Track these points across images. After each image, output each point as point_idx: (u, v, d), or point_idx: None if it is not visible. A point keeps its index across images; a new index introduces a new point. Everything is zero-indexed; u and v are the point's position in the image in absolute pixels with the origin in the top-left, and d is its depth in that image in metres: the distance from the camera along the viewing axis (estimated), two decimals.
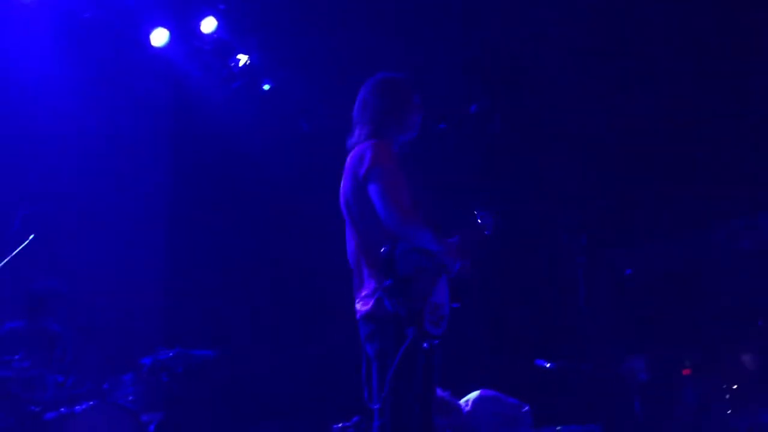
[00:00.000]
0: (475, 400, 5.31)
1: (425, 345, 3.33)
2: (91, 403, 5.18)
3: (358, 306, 3.49)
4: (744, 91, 6.84)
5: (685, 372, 6.70)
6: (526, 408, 5.33)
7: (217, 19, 6.97)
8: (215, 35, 7.02)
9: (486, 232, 3.69)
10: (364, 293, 3.46)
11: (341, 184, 3.60)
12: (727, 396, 6.35)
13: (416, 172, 3.69)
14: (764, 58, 6.68)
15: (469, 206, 3.75)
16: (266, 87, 7.38)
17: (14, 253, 5.38)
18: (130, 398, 5.48)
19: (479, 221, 3.71)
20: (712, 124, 6.99)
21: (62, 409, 5.14)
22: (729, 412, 6.24)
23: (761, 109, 6.76)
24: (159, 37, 6.82)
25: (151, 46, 6.85)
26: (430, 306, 3.34)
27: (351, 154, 3.60)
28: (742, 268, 7.08)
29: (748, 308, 6.88)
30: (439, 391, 5.04)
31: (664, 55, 7.01)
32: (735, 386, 6.36)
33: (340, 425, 5.80)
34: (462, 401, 5.36)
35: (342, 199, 3.60)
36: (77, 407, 5.15)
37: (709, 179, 7.03)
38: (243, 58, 7.21)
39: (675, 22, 6.86)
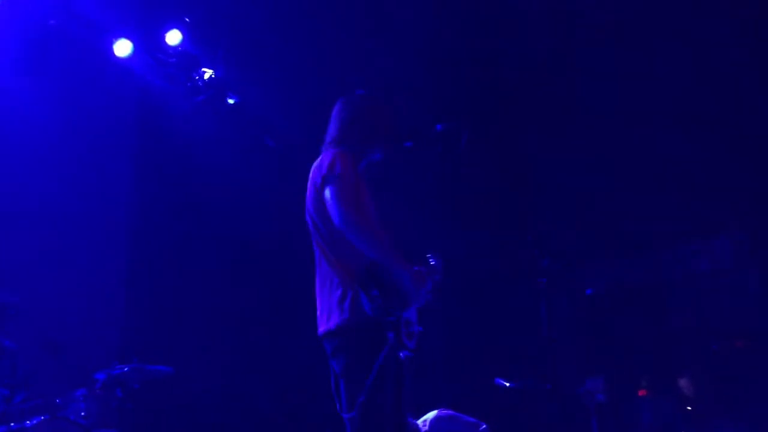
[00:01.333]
0: (432, 420, 5.31)
1: (401, 355, 3.30)
2: (42, 418, 5.06)
3: (321, 324, 3.45)
4: (711, 113, 6.97)
5: (641, 393, 6.79)
6: (484, 427, 5.34)
7: (182, 32, 6.94)
8: (180, 48, 6.98)
9: (435, 277, 3.66)
10: (329, 307, 3.42)
11: (306, 196, 3.60)
12: (682, 417, 6.45)
13: (386, 195, 3.70)
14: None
15: (422, 248, 3.75)
16: (231, 101, 7.34)
17: None
18: (83, 414, 5.36)
19: (431, 264, 3.69)
20: (674, 143, 7.13)
21: (12, 425, 5.02)
22: None
23: (725, 131, 6.89)
24: (122, 47, 6.75)
25: (115, 57, 6.77)
26: (404, 320, 3.34)
27: (314, 164, 3.60)
28: (699, 290, 7.21)
29: (704, 329, 7.02)
30: None
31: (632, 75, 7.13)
32: (689, 408, 6.47)
33: None
34: (420, 421, 5.35)
35: (306, 211, 3.59)
36: (27, 422, 5.03)
37: (669, 200, 7.16)
38: (208, 72, 7.17)
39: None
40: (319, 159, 3.58)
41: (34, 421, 5.04)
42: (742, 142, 6.87)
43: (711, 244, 7.26)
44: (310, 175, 3.58)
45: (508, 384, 5.76)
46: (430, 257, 3.71)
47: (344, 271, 3.38)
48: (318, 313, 3.50)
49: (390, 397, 3.31)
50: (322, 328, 3.45)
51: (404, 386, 3.42)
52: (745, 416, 6.24)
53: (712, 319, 7.04)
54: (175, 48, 6.97)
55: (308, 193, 3.57)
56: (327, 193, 3.40)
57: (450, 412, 5.40)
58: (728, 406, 6.42)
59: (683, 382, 6.74)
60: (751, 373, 6.52)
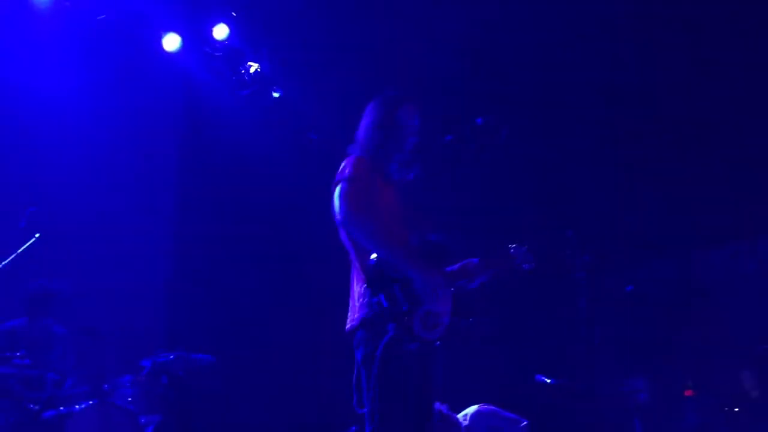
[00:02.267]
0: (473, 415, 5.31)
1: (412, 346, 3.33)
2: (90, 402, 5.19)
3: (348, 322, 3.52)
4: (749, 114, 6.83)
5: (687, 393, 6.67)
6: (525, 423, 5.32)
7: (229, 26, 7.02)
8: (227, 42, 7.06)
9: (525, 266, 3.72)
10: (352, 305, 3.51)
11: None
12: (728, 418, 6.31)
13: (418, 199, 3.73)
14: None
15: (503, 239, 3.76)
16: (276, 95, 7.41)
17: (19, 251, 5.40)
18: (129, 399, 5.49)
19: (512, 253, 3.73)
20: (716, 145, 6.99)
21: (61, 408, 5.16)
22: None
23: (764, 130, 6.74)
24: (171, 42, 6.86)
25: (163, 51, 6.89)
26: (422, 311, 3.36)
27: None
28: (745, 290, 7.05)
29: (750, 331, 6.85)
30: (438, 405, 5.04)
31: (672, 79, 7.00)
32: (736, 409, 6.33)
33: None
34: (460, 415, 5.35)
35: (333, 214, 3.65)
36: (76, 407, 5.16)
37: (715, 200, 7.02)
38: (254, 66, 7.25)
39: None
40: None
41: (83, 406, 5.17)
42: None
43: (756, 245, 7.10)
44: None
45: (548, 381, 5.72)
46: (512, 247, 3.73)
47: (360, 270, 3.47)
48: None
49: (405, 393, 3.32)
50: (347, 326, 3.54)
51: (429, 386, 3.43)
52: None
53: (758, 319, 6.87)
54: (221, 42, 7.05)
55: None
56: (335, 193, 3.49)
57: (491, 407, 5.40)
58: None
59: (741, 378, 6.59)
60: None
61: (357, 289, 3.49)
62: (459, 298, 3.59)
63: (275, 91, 7.40)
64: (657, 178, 7.14)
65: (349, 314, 3.53)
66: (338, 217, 3.43)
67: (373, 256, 3.41)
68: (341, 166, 3.56)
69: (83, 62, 6.77)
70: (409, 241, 3.57)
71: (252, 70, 7.24)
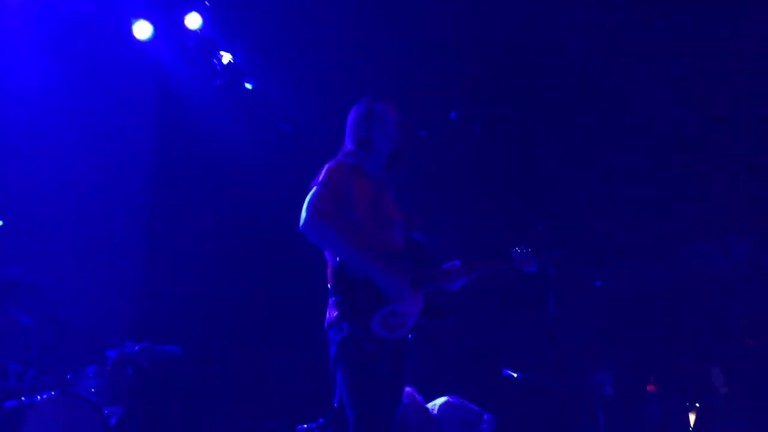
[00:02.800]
0: (442, 406, 5.36)
1: (370, 346, 3.35)
2: (52, 393, 5.12)
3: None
4: (722, 117, 6.96)
5: (650, 388, 6.76)
6: (490, 417, 5.37)
7: (202, 16, 6.96)
8: (200, 31, 7.00)
9: (526, 269, 3.80)
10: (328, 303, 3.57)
11: None
12: (690, 413, 6.42)
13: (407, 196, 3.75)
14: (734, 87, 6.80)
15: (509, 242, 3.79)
16: (249, 86, 7.36)
17: None
18: (93, 390, 5.42)
19: (513, 256, 3.79)
20: (688, 146, 7.09)
21: (23, 399, 5.08)
22: (691, 430, 6.31)
23: (736, 133, 6.87)
24: (142, 30, 6.79)
25: (134, 39, 6.81)
26: (385, 310, 3.37)
27: None
28: (715, 290, 7.17)
29: (714, 329, 6.97)
30: (409, 389, 5.08)
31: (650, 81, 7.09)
32: (698, 404, 6.43)
33: (305, 426, 5.79)
34: (429, 405, 5.39)
35: None
36: (38, 397, 5.09)
37: (687, 200, 7.12)
38: (227, 56, 7.19)
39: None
40: None
41: (45, 396, 5.10)
42: (763, 144, 6.83)
43: (724, 246, 7.22)
44: None
45: (515, 375, 5.77)
46: (516, 249, 3.81)
47: (329, 270, 3.54)
48: None
49: (366, 388, 3.36)
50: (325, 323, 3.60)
51: (394, 384, 3.45)
52: (754, 416, 6.20)
53: (726, 319, 6.99)
54: (194, 31, 6.99)
55: None
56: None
57: (459, 399, 5.45)
58: (738, 404, 6.38)
59: (708, 374, 6.70)
60: (763, 373, 6.48)
61: (329, 288, 3.55)
62: (436, 301, 3.62)
63: (248, 83, 7.36)
64: (629, 176, 7.23)
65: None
66: (300, 223, 3.47)
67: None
68: (320, 172, 3.59)
69: (51, 50, 6.67)
70: (391, 240, 3.58)
71: (225, 60, 7.18)
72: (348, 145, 3.74)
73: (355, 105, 3.82)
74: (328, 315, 3.52)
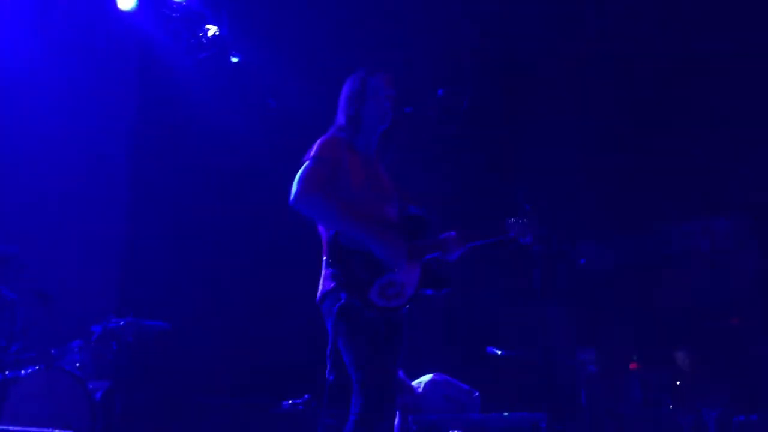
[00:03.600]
0: (428, 383, 5.38)
1: (370, 314, 3.35)
2: (36, 368, 5.11)
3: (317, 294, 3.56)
4: (706, 97, 6.97)
5: (632, 366, 6.84)
6: (476, 394, 5.41)
7: None
8: (185, 3, 6.90)
9: (522, 240, 3.74)
10: (320, 276, 3.54)
11: None
12: (671, 391, 6.50)
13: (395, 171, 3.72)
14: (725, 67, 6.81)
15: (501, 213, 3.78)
16: (234, 60, 7.28)
17: None
18: (78, 365, 5.41)
19: (509, 226, 3.74)
20: (675, 125, 7.11)
21: (6, 373, 5.06)
22: (671, 407, 6.39)
23: (723, 115, 6.89)
24: (126, 0, 6.67)
25: (118, 9, 6.70)
26: (384, 280, 3.37)
27: None
28: (697, 268, 7.23)
29: (700, 307, 7.04)
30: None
31: (631, 58, 7.09)
32: (678, 382, 6.51)
33: (290, 402, 5.82)
34: (414, 383, 5.42)
35: None
36: (21, 372, 5.08)
37: (672, 180, 7.15)
38: (212, 29, 7.09)
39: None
40: None
41: (29, 371, 5.09)
42: (743, 125, 6.86)
43: (710, 225, 7.27)
44: None
45: (499, 352, 5.81)
46: (511, 220, 3.76)
47: (323, 241, 3.51)
48: None
49: (370, 354, 3.35)
50: (317, 294, 3.56)
51: (391, 353, 3.46)
52: (734, 392, 6.29)
53: (708, 297, 7.06)
54: (179, 3, 6.89)
55: None
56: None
57: (445, 376, 5.47)
58: (718, 382, 6.47)
59: (680, 356, 6.78)
60: (743, 351, 6.56)
61: (322, 260, 3.52)
62: (434, 270, 3.61)
63: (234, 56, 7.27)
64: (614, 154, 7.25)
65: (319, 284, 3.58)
66: (291, 197, 3.44)
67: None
68: (313, 147, 3.54)
69: (33, 19, 6.55)
70: (386, 215, 3.57)
71: (210, 33, 7.08)
72: (340, 119, 3.70)
73: (349, 79, 3.75)
74: (322, 287, 3.49)
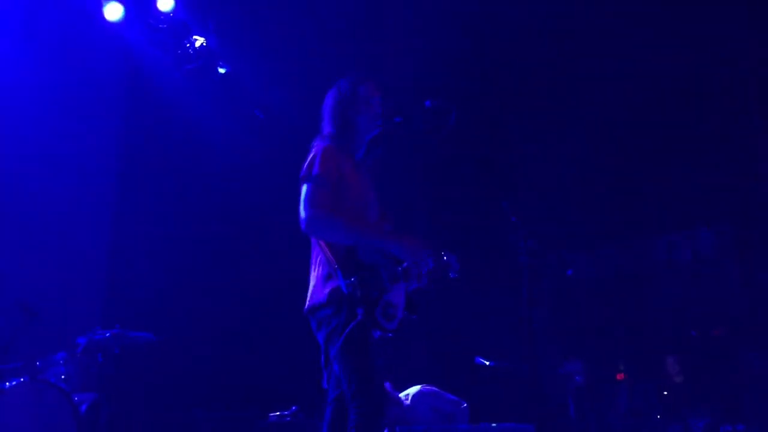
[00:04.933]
0: (416, 395, 5.37)
1: (376, 333, 3.35)
2: (21, 380, 5.05)
3: (308, 300, 3.51)
4: (691, 113, 7.05)
5: (619, 377, 6.87)
6: (464, 405, 5.40)
7: None
8: (172, 14, 6.89)
9: (451, 275, 3.74)
10: (314, 285, 3.49)
11: None
12: (658, 401, 6.53)
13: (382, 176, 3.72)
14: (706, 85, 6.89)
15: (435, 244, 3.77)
16: (222, 71, 7.28)
17: None
18: (63, 377, 5.35)
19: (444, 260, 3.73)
20: (657, 140, 7.18)
21: None
22: (659, 417, 6.42)
23: (706, 129, 6.97)
24: (113, 11, 6.66)
25: (105, 21, 6.69)
26: (383, 301, 3.38)
27: None
28: (680, 279, 7.28)
29: (683, 318, 7.09)
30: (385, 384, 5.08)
31: (620, 72, 7.15)
32: (665, 392, 6.54)
33: (277, 414, 5.78)
34: (402, 395, 5.41)
35: None
36: (6, 384, 5.02)
37: (656, 192, 7.21)
38: (199, 40, 7.09)
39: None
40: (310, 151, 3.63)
41: (13, 383, 5.03)
42: (727, 137, 6.94)
43: (693, 235, 7.33)
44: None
45: (487, 363, 5.81)
46: (444, 254, 3.74)
47: (327, 252, 3.46)
48: (309, 289, 3.57)
49: (371, 371, 3.35)
50: (307, 304, 3.50)
51: (373, 362, 3.45)
52: (719, 402, 6.32)
53: (691, 307, 7.11)
54: (166, 14, 6.89)
55: None
56: (302, 191, 3.48)
57: (433, 388, 5.46)
58: (705, 392, 6.50)
59: (670, 363, 6.81)
60: (727, 361, 6.60)
61: (319, 270, 3.48)
62: (410, 296, 3.62)
63: (221, 67, 7.27)
64: (600, 167, 7.30)
65: (309, 293, 3.52)
66: (302, 223, 3.41)
67: None
68: (310, 158, 3.51)
69: (20, 30, 6.52)
70: (368, 219, 3.57)
71: (198, 44, 7.08)
72: (327, 127, 3.67)
73: (335, 86, 3.74)
74: (314, 298, 3.44)
